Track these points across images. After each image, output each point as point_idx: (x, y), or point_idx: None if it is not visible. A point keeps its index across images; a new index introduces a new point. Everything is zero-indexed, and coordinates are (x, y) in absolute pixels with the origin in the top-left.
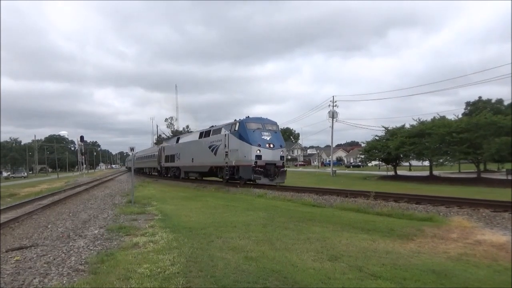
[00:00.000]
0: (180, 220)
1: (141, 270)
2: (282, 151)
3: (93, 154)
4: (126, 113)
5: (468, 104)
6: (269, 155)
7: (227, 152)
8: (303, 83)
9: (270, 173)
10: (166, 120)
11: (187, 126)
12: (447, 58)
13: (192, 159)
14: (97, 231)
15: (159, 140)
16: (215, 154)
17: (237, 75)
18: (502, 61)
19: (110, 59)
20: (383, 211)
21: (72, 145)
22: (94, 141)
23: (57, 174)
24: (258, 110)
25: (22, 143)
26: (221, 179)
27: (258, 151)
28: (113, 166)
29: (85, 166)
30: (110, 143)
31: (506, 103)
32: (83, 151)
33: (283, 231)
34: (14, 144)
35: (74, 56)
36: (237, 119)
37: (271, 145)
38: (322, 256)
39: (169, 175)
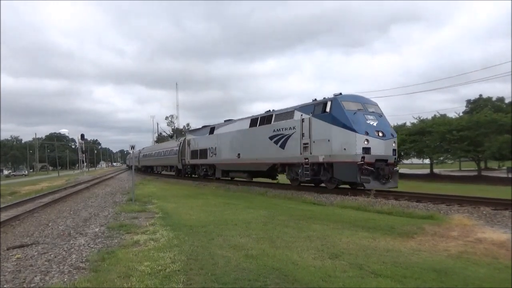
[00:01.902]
0: (180, 218)
1: (142, 268)
2: (395, 142)
3: (94, 152)
4: (126, 111)
5: (469, 102)
6: (380, 147)
7: (306, 143)
8: (304, 80)
9: (383, 173)
10: (166, 118)
11: (188, 124)
12: (449, 55)
13: (238, 154)
14: (97, 229)
15: (160, 138)
16: (282, 146)
17: (238, 72)
18: (505, 58)
19: (109, 56)
20: (384, 209)
21: (72, 143)
22: (95, 139)
23: (57, 172)
24: (258, 108)
25: (23, 141)
26: (287, 181)
27: (365, 142)
28: (114, 164)
29: (85, 164)
30: (111, 141)
31: (507, 101)
32: (83, 149)
33: (284, 229)
34: (14, 142)
35: (72, 53)
36: (326, 97)
37: (382, 134)
38: (323, 254)
39: (196, 175)
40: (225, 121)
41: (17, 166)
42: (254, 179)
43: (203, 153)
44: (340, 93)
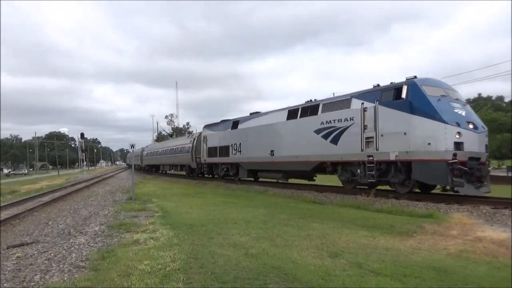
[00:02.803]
0: (180, 217)
1: (142, 266)
2: (487, 136)
3: (94, 151)
4: (126, 110)
5: (468, 101)
6: (474, 142)
7: (370, 137)
8: (304, 79)
9: (479, 174)
10: (166, 117)
11: (187, 123)
12: (450, 54)
13: (271, 151)
14: (97, 227)
15: (160, 137)
16: (333, 141)
17: (238, 71)
18: (505, 57)
19: (108, 54)
20: (384, 208)
21: (72, 142)
22: (95, 138)
23: (57, 171)
24: (258, 107)
25: (23, 140)
26: (325, 182)
27: (457, 136)
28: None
29: (85, 163)
30: (110, 140)
31: (506, 100)
32: (83, 148)
33: (284, 228)
34: (14, 141)
35: (71, 51)
36: (405, 80)
37: (473, 126)
38: (323, 252)
39: (214, 175)
40: (250, 114)
41: (17, 165)
42: (256, 179)
43: (223, 150)
44: (415, 76)
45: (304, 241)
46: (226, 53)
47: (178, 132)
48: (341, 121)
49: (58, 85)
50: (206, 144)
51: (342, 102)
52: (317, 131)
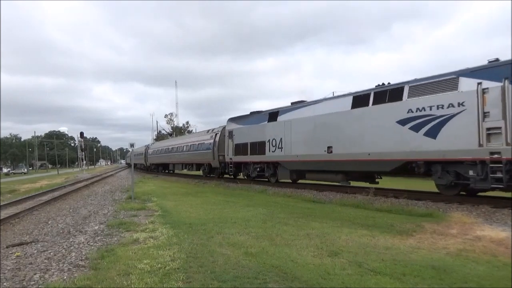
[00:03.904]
0: (180, 216)
1: (141, 265)
2: None
3: (93, 150)
4: (125, 109)
5: None
6: None
7: (495, 128)
8: (305, 78)
9: None
10: (166, 116)
11: (187, 122)
12: (450, 53)
13: (329, 148)
14: (97, 227)
15: (159, 136)
16: (430, 134)
17: (237, 69)
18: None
19: (107, 53)
20: (383, 207)
21: (72, 141)
22: (94, 137)
23: (57, 170)
24: (259, 106)
25: (22, 139)
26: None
27: None
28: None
29: (85, 162)
30: (110, 139)
31: None
32: (83, 147)
33: (283, 227)
34: (14, 140)
35: (70, 50)
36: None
37: None
38: (322, 251)
39: (242, 176)
40: (292, 103)
41: (17, 164)
42: (256, 179)
43: (256, 147)
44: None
45: (303, 240)
46: (226, 52)
47: (178, 131)
48: (442, 107)
49: (56, 84)
50: (233, 140)
51: (442, 83)
52: (402, 122)
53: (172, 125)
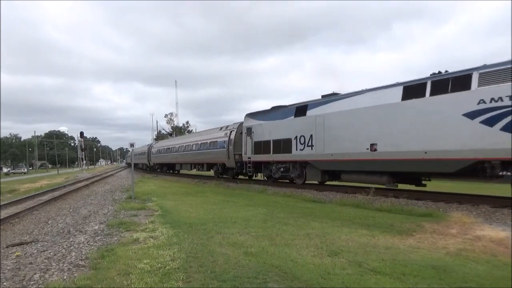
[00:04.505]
0: (180, 215)
1: (141, 265)
2: None
3: (93, 150)
4: (125, 109)
5: None
6: None
7: None
8: (305, 78)
9: None
10: (166, 116)
11: (187, 122)
12: (451, 53)
13: (372, 145)
14: (97, 226)
15: (159, 136)
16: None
17: (237, 69)
18: (506, 55)
19: (106, 52)
20: (383, 207)
21: (72, 141)
22: (94, 137)
23: (57, 170)
24: (259, 105)
25: (22, 139)
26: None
27: None
28: (124, 161)
29: (85, 162)
30: (110, 139)
31: None
32: (83, 147)
33: (283, 226)
34: (14, 140)
35: (70, 49)
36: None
37: None
38: (322, 251)
39: (262, 177)
40: (323, 96)
41: (16, 164)
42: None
43: (281, 145)
44: None
45: (303, 240)
46: (226, 51)
47: (178, 131)
48: None
49: (56, 83)
50: (252, 138)
51: None
52: (471, 114)
53: (172, 125)
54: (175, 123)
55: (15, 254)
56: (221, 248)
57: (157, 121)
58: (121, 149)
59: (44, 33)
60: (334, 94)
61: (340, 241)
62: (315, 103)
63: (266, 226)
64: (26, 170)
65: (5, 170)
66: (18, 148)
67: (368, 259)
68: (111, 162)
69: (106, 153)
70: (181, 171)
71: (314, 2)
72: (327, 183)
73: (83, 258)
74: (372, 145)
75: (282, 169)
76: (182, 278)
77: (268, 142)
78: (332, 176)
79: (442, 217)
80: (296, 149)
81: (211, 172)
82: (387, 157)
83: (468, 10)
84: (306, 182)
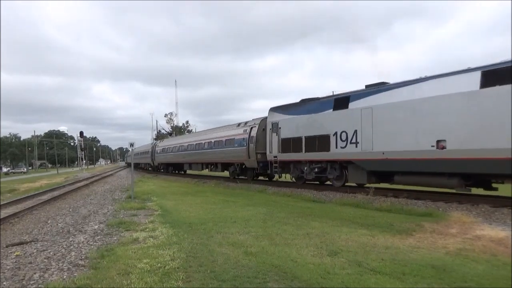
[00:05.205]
0: (180, 215)
1: (141, 265)
2: None
3: (93, 150)
4: (125, 108)
5: None
6: None
7: None
8: (304, 77)
9: None
10: (165, 115)
11: (187, 122)
12: (451, 52)
13: (440, 142)
14: (97, 226)
15: (159, 135)
16: None
17: (237, 68)
18: (506, 55)
19: (106, 52)
20: (383, 207)
21: (71, 141)
22: (94, 136)
23: (56, 170)
24: (258, 105)
25: (22, 139)
26: None
27: None
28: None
29: (84, 161)
30: (110, 138)
31: None
32: (82, 146)
33: (283, 226)
34: (13, 140)
35: (69, 49)
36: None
37: None
38: (322, 251)
39: (291, 178)
40: (368, 86)
41: (16, 163)
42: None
43: (315, 142)
44: None
45: (303, 239)
46: (226, 51)
47: (178, 130)
48: None
49: (56, 83)
50: (278, 134)
51: None
52: None
53: (172, 125)
54: (175, 123)
55: (15, 254)
56: (221, 247)
57: (157, 121)
58: (120, 148)
59: (43, 32)
60: (382, 83)
61: (340, 240)
62: (359, 94)
63: (266, 225)
64: (25, 169)
65: (4, 169)
66: (18, 148)
67: (368, 258)
68: (111, 161)
69: (106, 152)
70: (188, 171)
71: (314, 2)
72: (326, 183)
73: (83, 257)
74: (439, 141)
75: (316, 169)
76: (182, 278)
77: (299, 139)
78: (381, 178)
79: (441, 217)
80: (336, 147)
81: (226, 173)
82: (459, 156)
83: (468, 10)
84: (347, 184)
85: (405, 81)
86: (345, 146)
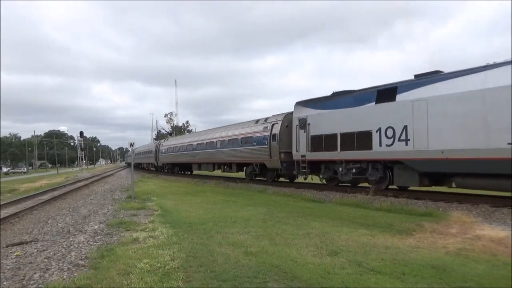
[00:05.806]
0: (180, 215)
1: (141, 265)
2: None
3: (93, 150)
4: (125, 108)
5: None
6: None
7: None
8: (304, 77)
9: None
10: (165, 115)
11: (187, 122)
12: (451, 52)
13: None
14: (97, 226)
15: (159, 135)
16: None
17: (237, 68)
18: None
19: (106, 52)
20: (383, 206)
21: (71, 141)
22: (94, 136)
23: (56, 170)
24: (259, 105)
25: (22, 139)
26: None
27: None
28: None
29: (84, 161)
30: (110, 138)
31: None
32: (82, 146)
33: (283, 226)
34: (13, 140)
35: (69, 48)
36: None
37: None
38: (322, 251)
39: (321, 179)
40: (417, 76)
41: (16, 163)
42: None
43: (354, 139)
44: None
45: (303, 239)
46: (225, 50)
47: (178, 130)
48: None
49: (56, 83)
50: (307, 131)
51: None
52: None
53: (172, 125)
54: (175, 123)
55: (15, 254)
56: (221, 247)
57: (157, 121)
58: (120, 148)
59: (43, 32)
60: (435, 72)
61: (340, 240)
62: (409, 85)
63: (266, 225)
64: (25, 169)
65: (4, 169)
66: (18, 148)
67: (368, 258)
68: (111, 161)
69: (106, 152)
70: (194, 172)
71: (314, 1)
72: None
73: (83, 257)
74: None
75: (354, 170)
76: (182, 278)
77: (333, 136)
78: (436, 180)
79: (442, 217)
80: (380, 145)
81: (242, 174)
82: None
83: (468, 10)
84: (391, 187)
85: (465, 69)
86: (392, 144)
